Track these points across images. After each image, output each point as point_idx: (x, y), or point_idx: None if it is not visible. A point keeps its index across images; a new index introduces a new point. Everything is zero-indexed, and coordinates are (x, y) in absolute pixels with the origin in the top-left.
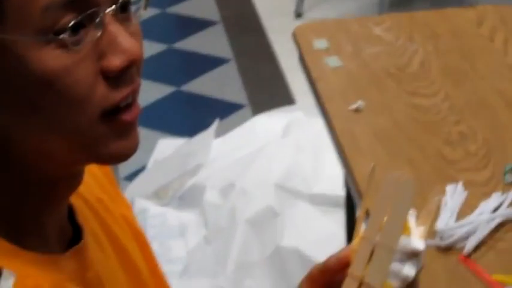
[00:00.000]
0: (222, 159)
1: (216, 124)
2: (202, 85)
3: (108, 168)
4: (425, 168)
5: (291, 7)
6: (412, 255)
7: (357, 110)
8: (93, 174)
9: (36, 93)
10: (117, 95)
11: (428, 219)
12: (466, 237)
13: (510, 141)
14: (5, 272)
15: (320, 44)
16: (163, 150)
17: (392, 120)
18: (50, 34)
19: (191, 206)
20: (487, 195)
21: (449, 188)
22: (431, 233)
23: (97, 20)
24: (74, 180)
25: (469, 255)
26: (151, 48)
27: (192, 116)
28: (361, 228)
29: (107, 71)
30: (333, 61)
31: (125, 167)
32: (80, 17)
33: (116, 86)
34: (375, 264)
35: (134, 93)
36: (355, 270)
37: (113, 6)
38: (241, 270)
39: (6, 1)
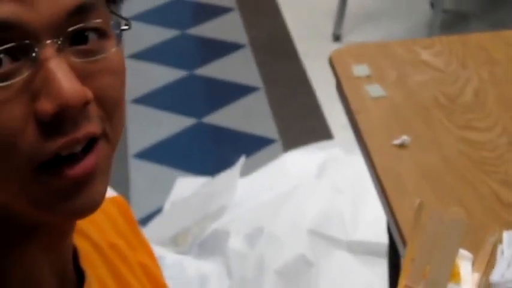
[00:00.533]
0: (248, 201)
1: (242, 161)
2: (227, 116)
3: (129, 212)
4: (478, 212)
5: (328, 29)
6: None
7: (401, 146)
8: (111, 217)
9: None
10: (51, 145)
11: (483, 264)
12: None
13: None
14: None
15: (360, 70)
16: (182, 190)
17: (441, 157)
18: None
19: (213, 254)
20: None
21: (506, 235)
22: (486, 285)
23: (33, 54)
24: (51, 227)
25: None
26: (170, 76)
27: (215, 152)
28: (406, 277)
29: (38, 115)
30: (375, 90)
31: (139, 209)
32: (17, 57)
33: (49, 134)
34: None
35: (78, 143)
36: None
37: (56, 39)
38: None
39: None
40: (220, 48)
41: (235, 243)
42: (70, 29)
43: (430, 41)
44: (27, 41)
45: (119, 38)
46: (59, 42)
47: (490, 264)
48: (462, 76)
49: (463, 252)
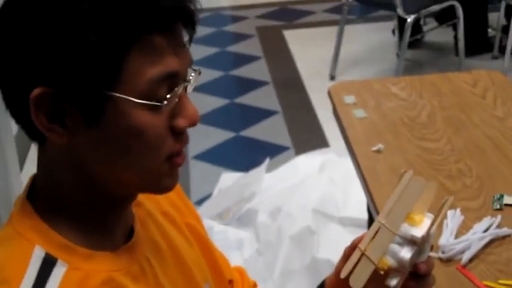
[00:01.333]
0: (271, 189)
1: (267, 162)
2: (257, 131)
3: (179, 187)
4: None
5: (326, 71)
6: (411, 242)
7: (378, 151)
8: None
9: (129, 140)
10: (179, 146)
11: (435, 218)
12: (462, 251)
13: (498, 176)
14: (59, 262)
15: (349, 99)
16: (225, 181)
17: (405, 159)
18: (153, 100)
19: (247, 225)
20: (479, 218)
21: (449, 213)
22: (435, 247)
23: (179, 91)
24: (131, 198)
25: (465, 266)
26: (217, 103)
27: (248, 156)
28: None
29: (175, 128)
30: (359, 113)
31: (195, 195)
32: (173, 92)
33: (178, 139)
34: (377, 242)
35: (186, 144)
36: (361, 244)
37: (187, 83)
38: (285, 276)
39: (124, 68)
40: (252, 85)
41: (262, 218)
42: (190, 76)
43: (398, 80)
44: (186, 84)
45: None
46: (186, 83)
47: (441, 220)
48: (419, 104)
49: (428, 213)
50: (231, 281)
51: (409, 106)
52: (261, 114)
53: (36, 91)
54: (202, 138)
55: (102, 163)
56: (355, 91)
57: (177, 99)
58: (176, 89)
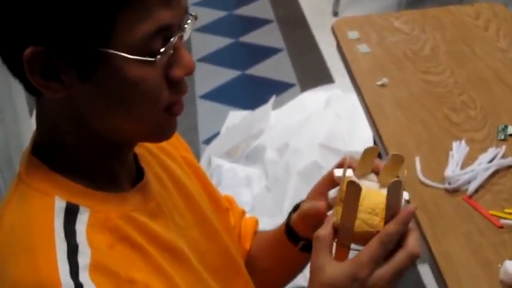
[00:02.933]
0: (278, 126)
1: (273, 99)
2: (262, 69)
3: None
4: (435, 129)
5: (329, 8)
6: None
7: (382, 86)
8: None
9: (124, 93)
10: (176, 97)
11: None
12: (468, 181)
13: (502, 107)
14: (81, 208)
15: (353, 35)
16: (233, 119)
17: (409, 92)
18: (147, 55)
19: (255, 162)
20: (484, 149)
21: (454, 144)
22: (441, 179)
23: (173, 42)
24: (134, 144)
25: (471, 196)
26: (222, 42)
27: (255, 94)
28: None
29: (171, 78)
30: (363, 48)
31: (203, 133)
32: (167, 45)
33: (175, 90)
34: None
35: (184, 93)
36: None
37: (182, 32)
38: None
39: (115, 24)
40: (256, 23)
41: (270, 154)
42: (185, 25)
43: (400, 14)
44: (179, 34)
45: None
46: (182, 34)
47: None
48: (422, 37)
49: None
50: (227, 209)
51: (412, 40)
52: (265, 52)
53: (29, 50)
54: (208, 77)
55: (100, 115)
56: (358, 26)
57: (172, 51)
58: (171, 40)
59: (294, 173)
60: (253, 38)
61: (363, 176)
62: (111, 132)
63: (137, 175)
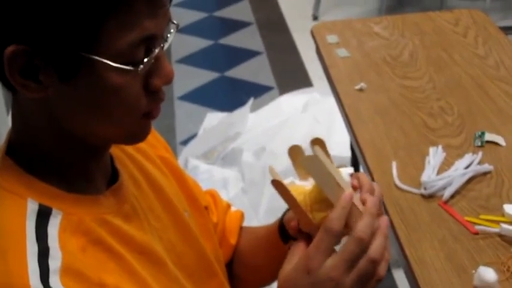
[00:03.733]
0: (255, 129)
1: (251, 102)
2: (241, 72)
3: None
4: (413, 135)
5: (309, 11)
6: None
7: (360, 90)
8: None
9: (103, 100)
10: (155, 105)
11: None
12: (444, 187)
13: (479, 114)
14: (54, 211)
15: (332, 39)
16: (210, 121)
17: (388, 97)
18: (129, 63)
19: (232, 164)
20: (460, 155)
21: (431, 150)
22: (417, 184)
23: (156, 52)
24: (109, 146)
25: (446, 202)
26: (201, 43)
27: (233, 96)
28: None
29: (151, 87)
30: (342, 52)
31: (181, 135)
32: (150, 55)
33: (153, 98)
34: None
35: (161, 102)
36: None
37: (165, 42)
38: (270, 214)
39: (101, 31)
40: (236, 26)
41: (247, 157)
42: (167, 35)
43: (380, 19)
44: (162, 45)
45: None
46: (164, 43)
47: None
48: (401, 43)
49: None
50: (206, 207)
51: (391, 45)
52: (245, 54)
53: (10, 48)
54: (187, 78)
55: (76, 118)
56: (338, 31)
57: (153, 61)
58: (154, 50)
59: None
60: (233, 40)
61: (306, 177)
62: (86, 135)
63: (112, 177)
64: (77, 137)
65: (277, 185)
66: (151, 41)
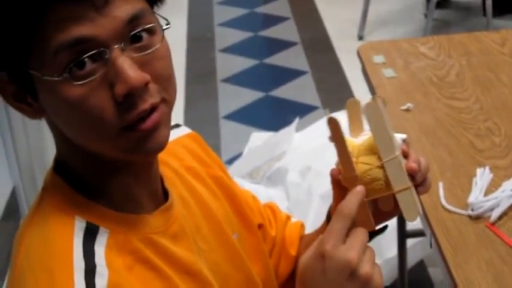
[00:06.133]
0: (301, 148)
1: (296, 121)
2: (286, 91)
3: (202, 140)
4: (460, 156)
5: (355, 32)
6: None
7: (407, 110)
8: (188, 147)
9: (67, 114)
10: (129, 116)
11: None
12: (491, 208)
13: None
14: (101, 229)
15: (378, 59)
16: (255, 141)
17: (434, 118)
18: (64, 73)
19: (277, 184)
20: (508, 177)
21: (478, 171)
22: (464, 205)
23: (106, 56)
24: (145, 162)
25: (494, 223)
26: (246, 63)
27: (279, 115)
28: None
29: (116, 96)
30: (389, 72)
31: (226, 154)
32: (81, 58)
33: (126, 109)
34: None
35: (145, 112)
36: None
37: (120, 44)
38: None
39: (34, 44)
40: (282, 45)
41: (292, 177)
42: (129, 35)
43: (426, 39)
44: (101, 49)
45: (163, 33)
46: (122, 45)
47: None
48: (448, 63)
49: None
50: (260, 225)
51: (437, 65)
52: (290, 74)
53: None
54: (232, 98)
55: (71, 136)
56: (384, 51)
57: (104, 68)
58: (95, 53)
59: (316, 196)
60: (278, 59)
61: (357, 135)
62: (93, 151)
63: (163, 196)
64: (92, 153)
65: (333, 123)
66: (90, 45)
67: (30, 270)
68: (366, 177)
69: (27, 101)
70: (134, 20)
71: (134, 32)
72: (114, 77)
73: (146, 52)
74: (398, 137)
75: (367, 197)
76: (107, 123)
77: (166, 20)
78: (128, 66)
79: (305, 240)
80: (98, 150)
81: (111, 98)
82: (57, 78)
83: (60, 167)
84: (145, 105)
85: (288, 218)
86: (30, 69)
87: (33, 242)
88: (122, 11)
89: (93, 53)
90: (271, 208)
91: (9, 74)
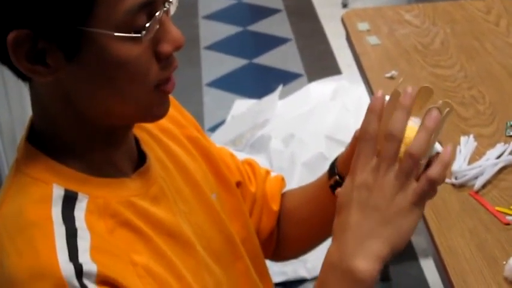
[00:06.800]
0: (284, 116)
1: (280, 89)
2: (270, 59)
3: (176, 102)
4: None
5: None
6: None
7: (391, 78)
8: None
9: (112, 73)
10: (166, 73)
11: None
12: (475, 177)
13: (511, 103)
14: (79, 195)
15: (363, 26)
16: (239, 108)
17: (418, 86)
18: (131, 32)
19: (260, 151)
20: (492, 145)
21: (462, 139)
22: (448, 174)
23: (158, 17)
24: (129, 127)
25: (477, 192)
26: (230, 30)
27: (262, 83)
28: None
29: (160, 54)
30: (373, 40)
31: (209, 121)
32: (152, 20)
33: (165, 66)
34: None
35: (175, 69)
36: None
37: (167, 6)
38: None
39: (96, 2)
40: (265, 12)
41: (275, 144)
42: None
43: (411, 7)
44: (164, 8)
45: None
46: (167, 5)
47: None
48: (433, 31)
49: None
50: (239, 183)
51: (422, 33)
52: (273, 41)
53: (12, 34)
54: (215, 65)
55: (89, 98)
56: (368, 18)
57: (157, 26)
58: (156, 15)
59: (298, 164)
60: (262, 27)
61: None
62: (103, 115)
63: (139, 159)
64: (94, 120)
65: (394, 94)
66: (151, 6)
67: (10, 242)
68: None
69: (46, 61)
70: None
71: None
72: (162, 36)
73: (173, 12)
74: (438, 146)
75: None
76: (148, 80)
77: None
78: (173, 26)
79: (293, 193)
80: (117, 113)
81: (153, 55)
82: (134, 35)
83: (34, 136)
84: (176, 63)
85: (268, 172)
86: (89, 27)
87: (12, 213)
88: None
89: (153, 13)
90: (250, 164)
91: (39, 32)
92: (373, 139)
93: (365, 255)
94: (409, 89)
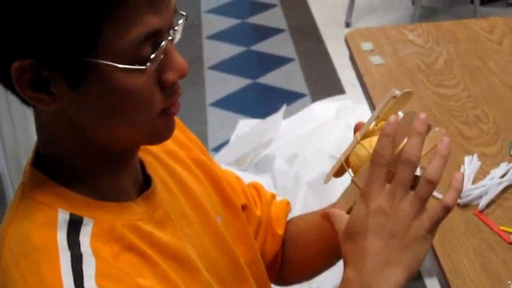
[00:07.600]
0: (288, 136)
1: (283, 108)
2: (273, 79)
3: (182, 124)
4: None
5: (342, 18)
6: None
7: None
8: None
9: (116, 102)
10: (171, 101)
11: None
12: (479, 196)
13: None
14: (85, 220)
15: (366, 46)
16: (243, 128)
17: (422, 105)
18: (136, 63)
19: (264, 171)
20: (496, 164)
21: (466, 159)
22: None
23: (163, 47)
24: (134, 150)
25: (482, 211)
26: (234, 50)
27: (266, 102)
28: None
29: (164, 83)
30: (376, 60)
31: (213, 141)
32: (157, 51)
33: (169, 94)
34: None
35: (179, 96)
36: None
37: (173, 34)
38: None
39: (102, 33)
40: (268, 32)
41: (279, 164)
42: (175, 27)
43: (414, 26)
44: (169, 38)
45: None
46: (172, 36)
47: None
48: (436, 50)
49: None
50: (244, 206)
51: (425, 53)
52: (277, 61)
53: (17, 64)
54: (219, 85)
55: (93, 125)
56: (372, 38)
57: (162, 56)
58: (162, 44)
59: (303, 183)
60: (265, 47)
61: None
62: (108, 140)
63: (144, 183)
64: (99, 144)
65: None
66: (157, 36)
67: (14, 265)
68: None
69: (50, 89)
70: (174, 13)
71: (178, 24)
72: (166, 64)
73: (177, 39)
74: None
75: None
76: (154, 108)
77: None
78: (177, 54)
79: (302, 219)
80: (123, 138)
81: (157, 83)
82: (138, 67)
83: (39, 160)
84: (180, 90)
85: (273, 196)
86: (93, 57)
87: (18, 238)
88: (172, 2)
89: (158, 44)
90: (256, 187)
91: (44, 61)
92: (387, 165)
93: (387, 284)
94: (423, 115)
